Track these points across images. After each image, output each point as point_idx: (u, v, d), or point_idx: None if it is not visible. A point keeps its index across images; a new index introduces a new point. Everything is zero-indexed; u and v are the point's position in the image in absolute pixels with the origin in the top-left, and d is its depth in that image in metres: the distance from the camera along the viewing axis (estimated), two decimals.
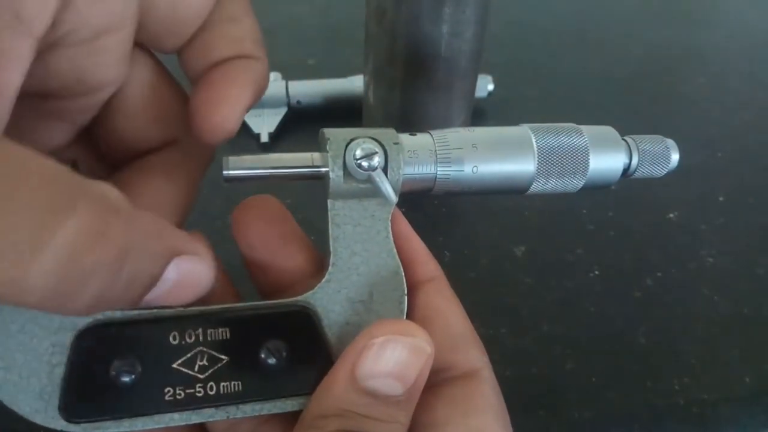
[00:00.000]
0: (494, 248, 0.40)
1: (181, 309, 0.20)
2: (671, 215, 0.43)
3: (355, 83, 0.49)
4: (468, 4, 0.37)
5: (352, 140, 0.21)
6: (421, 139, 0.22)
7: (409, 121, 0.42)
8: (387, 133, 0.21)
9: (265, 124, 0.47)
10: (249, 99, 0.21)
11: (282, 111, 0.48)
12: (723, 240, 0.41)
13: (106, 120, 0.22)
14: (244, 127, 0.46)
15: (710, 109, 0.55)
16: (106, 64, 0.19)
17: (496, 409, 0.21)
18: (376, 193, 0.21)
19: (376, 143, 0.21)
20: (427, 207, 0.43)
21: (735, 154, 0.49)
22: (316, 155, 0.21)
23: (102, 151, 0.23)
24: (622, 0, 0.75)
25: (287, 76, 0.49)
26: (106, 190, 0.15)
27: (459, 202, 0.43)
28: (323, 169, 0.21)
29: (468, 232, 0.41)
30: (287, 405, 0.20)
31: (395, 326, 0.19)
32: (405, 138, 0.22)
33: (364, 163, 0.20)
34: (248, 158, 0.21)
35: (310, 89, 0.49)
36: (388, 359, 0.19)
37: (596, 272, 0.39)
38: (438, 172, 0.22)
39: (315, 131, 0.23)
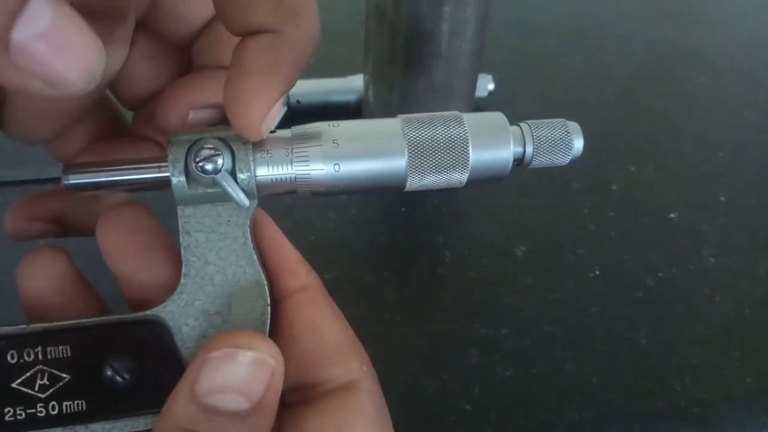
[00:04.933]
0: (494, 248, 0.40)
1: (21, 327, 0.19)
2: (672, 215, 0.43)
3: (355, 83, 0.49)
4: (468, 3, 0.37)
5: (196, 142, 0.19)
6: (279, 136, 0.21)
7: None
8: (237, 132, 0.20)
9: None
10: (273, 94, 0.19)
11: (282, 110, 0.48)
12: (724, 240, 0.41)
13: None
14: None
15: (711, 109, 0.55)
16: None
17: (374, 421, 0.20)
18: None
19: (222, 143, 0.20)
20: (427, 207, 0.42)
21: (736, 153, 0.49)
22: (163, 161, 0.20)
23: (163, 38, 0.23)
24: (623, 0, 0.75)
25: None
26: None
27: (459, 201, 0.43)
28: (166, 174, 0.20)
29: (468, 232, 0.41)
30: (139, 423, 0.20)
31: (235, 339, 0.18)
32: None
33: (207, 166, 0.19)
34: (91, 164, 0.20)
35: (310, 89, 0.49)
36: (228, 374, 0.18)
37: (597, 272, 0.38)
38: (296, 173, 0.20)
39: None
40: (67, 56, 0.15)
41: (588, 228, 0.41)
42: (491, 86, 0.51)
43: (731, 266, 0.39)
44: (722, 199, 0.45)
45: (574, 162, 0.23)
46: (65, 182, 0.20)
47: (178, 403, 0.18)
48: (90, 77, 0.15)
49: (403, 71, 0.39)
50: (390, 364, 0.33)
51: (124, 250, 0.21)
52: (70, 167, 0.20)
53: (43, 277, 0.21)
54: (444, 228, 0.41)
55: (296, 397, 0.20)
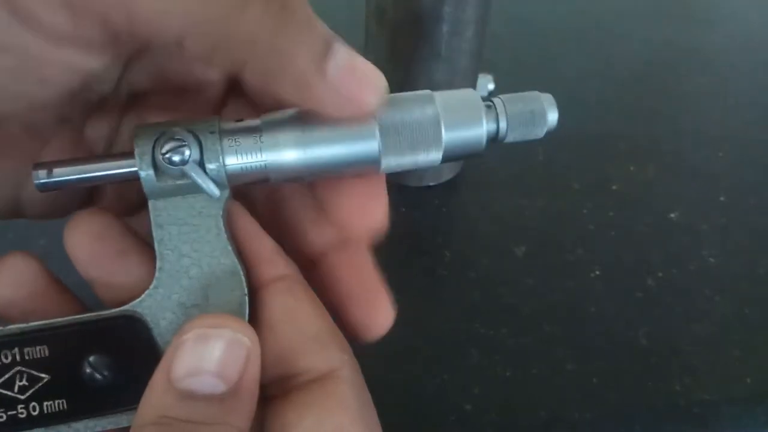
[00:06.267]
0: (494, 248, 0.40)
1: None
2: (672, 215, 0.43)
3: None
4: (468, 3, 0.37)
5: (162, 134, 0.19)
6: (246, 125, 0.20)
7: None
8: (205, 122, 0.20)
9: None
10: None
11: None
12: (724, 240, 0.41)
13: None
14: None
15: (711, 109, 0.55)
16: None
17: (355, 410, 0.19)
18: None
19: (189, 134, 0.19)
20: (427, 207, 0.42)
21: (736, 153, 0.49)
22: (132, 155, 0.20)
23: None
24: (623, 0, 0.75)
25: None
26: None
27: (459, 201, 0.43)
28: (135, 169, 0.19)
29: (468, 232, 0.41)
30: (122, 420, 0.19)
31: (207, 320, 0.18)
32: (228, 125, 0.20)
33: (174, 158, 0.19)
34: (60, 162, 0.20)
35: None
36: (202, 355, 0.17)
37: (597, 272, 0.38)
38: (267, 160, 0.20)
39: None
40: (366, 83, 0.19)
41: (588, 228, 0.41)
42: (491, 86, 0.51)
43: (731, 266, 0.39)
44: (722, 199, 0.45)
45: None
46: (35, 182, 0.19)
47: (155, 393, 0.18)
48: (381, 97, 0.19)
49: (403, 71, 0.39)
50: (390, 364, 0.33)
51: (93, 258, 0.21)
52: (40, 166, 0.19)
53: (14, 285, 0.21)
54: (444, 228, 0.41)
55: (276, 389, 0.20)
